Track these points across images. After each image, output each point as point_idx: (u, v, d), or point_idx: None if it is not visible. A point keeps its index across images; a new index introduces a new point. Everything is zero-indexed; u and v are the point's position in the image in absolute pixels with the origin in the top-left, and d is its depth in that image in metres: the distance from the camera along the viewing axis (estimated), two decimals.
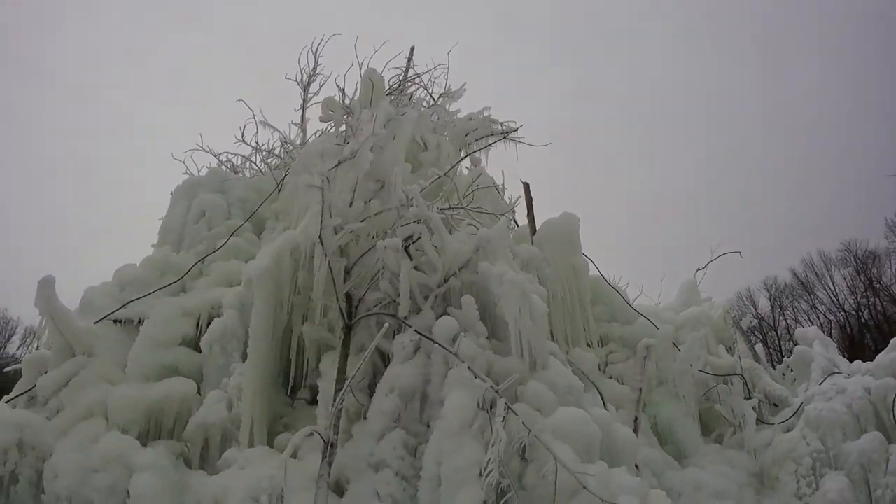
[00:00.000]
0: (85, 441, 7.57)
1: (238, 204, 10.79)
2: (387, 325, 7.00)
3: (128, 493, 6.92)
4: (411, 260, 7.73)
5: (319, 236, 7.44)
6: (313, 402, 8.40)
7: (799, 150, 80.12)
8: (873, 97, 74.49)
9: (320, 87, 12.49)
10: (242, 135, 12.26)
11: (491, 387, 6.12)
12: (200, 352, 8.70)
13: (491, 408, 6.06)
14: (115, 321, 9.14)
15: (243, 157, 12.27)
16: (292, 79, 12.58)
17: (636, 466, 7.41)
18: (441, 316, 7.23)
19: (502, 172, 11.31)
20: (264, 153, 12.27)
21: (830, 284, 34.47)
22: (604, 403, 8.23)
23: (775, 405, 10.40)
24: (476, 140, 11.74)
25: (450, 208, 8.38)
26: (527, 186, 11.20)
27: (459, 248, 7.66)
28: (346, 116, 10.10)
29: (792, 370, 11.33)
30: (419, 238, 7.93)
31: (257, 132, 12.59)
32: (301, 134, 12.36)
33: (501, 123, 11.71)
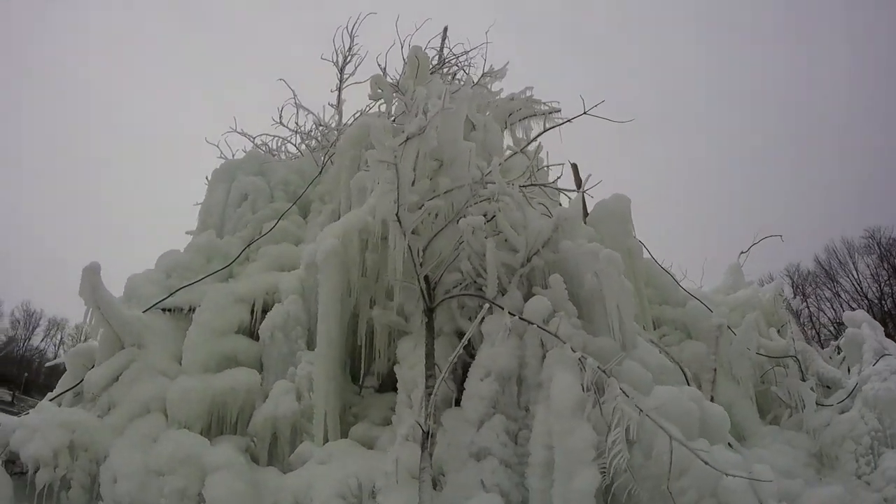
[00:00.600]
0: (144, 440, 7.13)
1: (281, 186, 10.32)
2: (486, 306, 6.63)
3: (200, 496, 6.47)
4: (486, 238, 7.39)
5: (396, 215, 7.04)
6: (381, 389, 8.06)
7: (826, 137, 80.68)
8: None
9: (356, 67, 12.04)
10: (280, 117, 11.79)
11: (598, 367, 5.83)
12: (257, 339, 8.29)
13: (597, 388, 5.79)
14: (163, 310, 8.66)
15: (282, 138, 11.78)
16: (329, 59, 12.10)
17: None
18: (526, 296, 6.94)
19: (546, 153, 11.01)
20: (302, 135, 11.79)
21: (854, 272, 34.20)
22: (687, 381, 8.00)
23: (828, 387, 10.31)
24: (519, 120, 11.39)
25: (527, 185, 8.00)
26: (575, 168, 10.88)
27: (541, 226, 7.33)
28: (395, 93, 9.74)
29: (840, 352, 11.26)
30: (493, 217, 7.64)
31: (293, 115, 12.08)
32: (337, 115, 11.91)
33: (544, 104, 11.37)
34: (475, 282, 7.26)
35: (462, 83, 10.33)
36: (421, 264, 7.30)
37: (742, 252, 11.49)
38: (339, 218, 9.84)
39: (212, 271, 9.05)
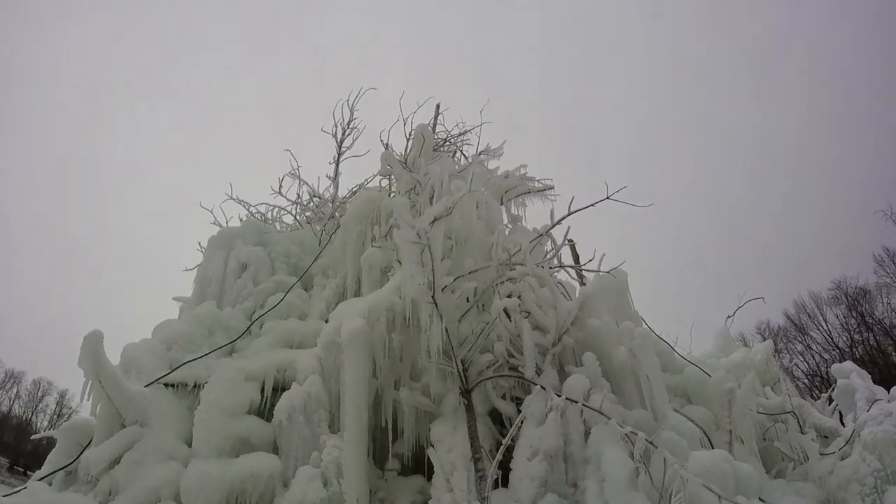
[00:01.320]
0: None
1: (282, 258, 10.12)
2: (539, 386, 6.69)
3: None
4: (511, 319, 7.55)
5: (433, 297, 7.08)
6: (404, 472, 7.87)
7: (785, 191, 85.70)
8: (862, 131, 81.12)
9: (353, 140, 12.19)
10: (280, 187, 11.66)
11: (647, 440, 6.02)
12: (268, 420, 7.94)
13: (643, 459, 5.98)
14: (166, 385, 8.18)
15: (280, 208, 11.62)
16: (328, 132, 12.19)
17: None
18: (559, 374, 7.14)
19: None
20: (302, 206, 11.69)
21: (824, 324, 35.03)
22: (711, 444, 8.29)
23: (825, 437, 10.93)
24: (514, 197, 11.78)
25: (557, 267, 8.25)
26: (573, 245, 11.29)
27: (570, 306, 7.56)
28: (404, 169, 9.92)
29: (832, 402, 12.01)
30: (518, 296, 7.82)
31: (291, 185, 12.01)
32: (333, 188, 11.93)
33: (538, 181, 11.84)
34: (508, 362, 7.35)
35: (470, 161, 10.62)
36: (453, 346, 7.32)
37: (728, 316, 12.19)
38: (344, 293, 9.79)
39: (215, 344, 8.68)
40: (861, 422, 9.68)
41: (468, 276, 7.85)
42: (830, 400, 11.33)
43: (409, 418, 7.62)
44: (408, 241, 7.55)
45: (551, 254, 8.17)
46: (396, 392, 7.81)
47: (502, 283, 7.81)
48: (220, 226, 11.01)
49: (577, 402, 6.46)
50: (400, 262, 8.29)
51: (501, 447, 6.22)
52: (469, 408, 6.92)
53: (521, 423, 6.57)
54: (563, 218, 8.04)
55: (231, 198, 11.37)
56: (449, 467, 6.77)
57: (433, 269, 7.20)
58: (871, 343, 32.41)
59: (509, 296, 7.86)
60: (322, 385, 7.76)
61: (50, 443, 8.21)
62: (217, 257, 10.00)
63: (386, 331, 7.72)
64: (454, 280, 7.68)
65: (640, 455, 5.94)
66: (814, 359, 35.00)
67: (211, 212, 11.35)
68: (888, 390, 10.16)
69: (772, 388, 10.90)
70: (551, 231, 9.44)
